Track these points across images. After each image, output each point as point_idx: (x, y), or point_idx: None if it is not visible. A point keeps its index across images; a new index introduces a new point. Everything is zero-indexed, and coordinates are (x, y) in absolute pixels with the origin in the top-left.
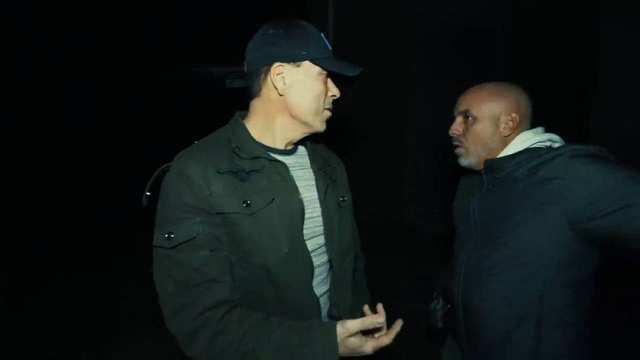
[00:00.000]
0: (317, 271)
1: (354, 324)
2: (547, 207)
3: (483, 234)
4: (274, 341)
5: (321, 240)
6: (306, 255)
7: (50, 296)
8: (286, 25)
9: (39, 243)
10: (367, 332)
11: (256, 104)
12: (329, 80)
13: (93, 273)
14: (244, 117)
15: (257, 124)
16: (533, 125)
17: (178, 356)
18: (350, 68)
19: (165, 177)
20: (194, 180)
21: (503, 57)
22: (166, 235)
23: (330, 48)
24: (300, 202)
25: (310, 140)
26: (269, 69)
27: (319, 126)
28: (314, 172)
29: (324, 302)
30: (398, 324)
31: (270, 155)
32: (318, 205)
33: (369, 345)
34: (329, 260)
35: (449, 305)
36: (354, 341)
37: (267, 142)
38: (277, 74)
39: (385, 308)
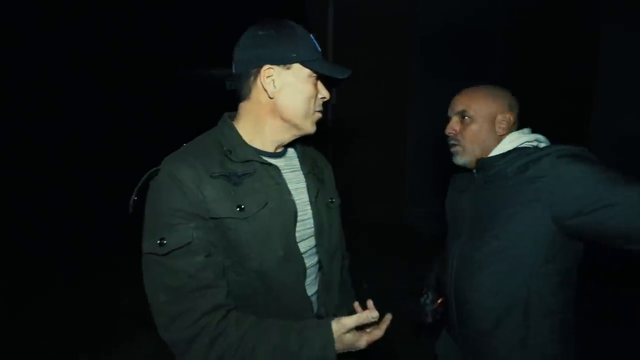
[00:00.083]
0: (308, 272)
1: (350, 321)
2: (534, 203)
3: (474, 228)
4: (272, 342)
5: (312, 241)
6: (299, 257)
7: (50, 296)
8: (275, 27)
9: (39, 243)
10: (359, 328)
11: (246, 106)
12: (319, 82)
13: (93, 273)
14: (233, 118)
15: (247, 126)
16: (522, 125)
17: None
18: (340, 70)
19: (153, 182)
20: (186, 184)
21: (502, 57)
22: (158, 242)
23: (319, 49)
24: (293, 205)
25: (299, 142)
26: (258, 72)
27: (310, 128)
28: (304, 174)
29: (313, 302)
30: (388, 318)
31: (263, 159)
32: (309, 207)
33: (363, 340)
34: (319, 261)
35: (439, 300)
36: (349, 337)
37: (257, 144)
38: (267, 77)
39: (386, 308)
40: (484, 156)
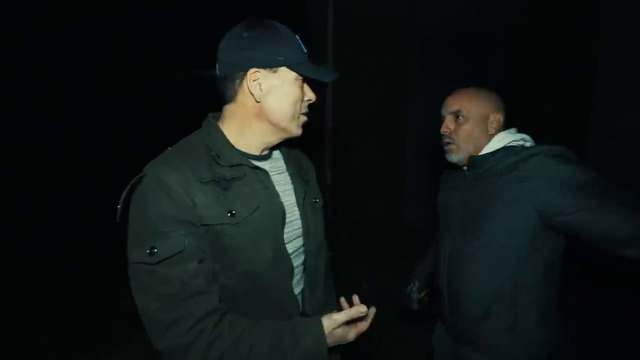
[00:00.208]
0: (294, 272)
1: (340, 316)
2: (522, 201)
3: (465, 223)
4: (267, 343)
5: (299, 242)
6: (287, 258)
7: (50, 296)
8: (261, 28)
9: (39, 243)
10: (348, 322)
11: (231, 109)
12: (305, 85)
13: (93, 273)
14: (218, 119)
15: (232, 129)
16: (522, 125)
17: None
18: (327, 73)
19: (139, 188)
20: (174, 189)
21: (502, 57)
22: (148, 251)
23: (305, 51)
24: (282, 207)
25: (283, 144)
26: (244, 75)
27: (296, 131)
28: (290, 175)
29: (299, 301)
30: (372, 311)
31: (251, 163)
32: (297, 209)
33: (352, 333)
34: (305, 261)
35: (426, 290)
36: (340, 331)
37: (243, 147)
38: (254, 80)
39: (386, 308)
40: (476, 154)
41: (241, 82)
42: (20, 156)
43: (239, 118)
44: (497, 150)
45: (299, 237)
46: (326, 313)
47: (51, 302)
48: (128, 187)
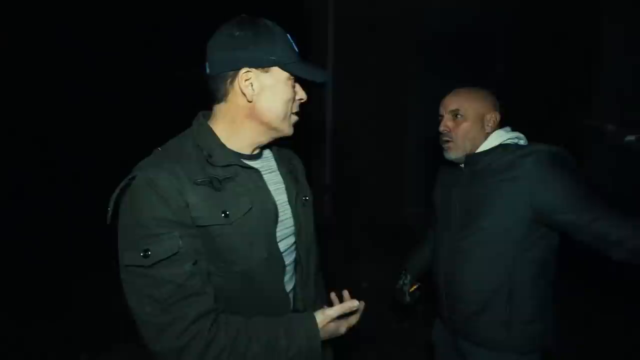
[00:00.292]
0: (286, 269)
1: (333, 311)
2: (517, 199)
3: (462, 220)
4: (262, 340)
5: (291, 240)
6: (280, 256)
7: (50, 296)
8: (253, 27)
9: (39, 243)
10: (339, 316)
11: (222, 109)
12: (297, 84)
13: (93, 273)
14: (208, 118)
15: (224, 128)
16: (522, 125)
17: None
18: (319, 74)
19: (130, 190)
20: (167, 191)
21: (503, 57)
22: (142, 254)
23: (296, 50)
24: (275, 206)
25: (274, 142)
26: (236, 74)
27: (287, 131)
28: (281, 174)
29: (291, 299)
30: (362, 305)
31: (244, 163)
32: (288, 207)
33: (343, 327)
34: (296, 258)
35: (418, 284)
36: (332, 325)
37: (234, 146)
38: (246, 80)
39: (386, 307)
40: (473, 151)
41: (233, 81)
42: (19, 156)
43: (230, 117)
44: (493, 148)
45: (291, 235)
46: (317, 309)
47: (51, 302)
48: (118, 190)
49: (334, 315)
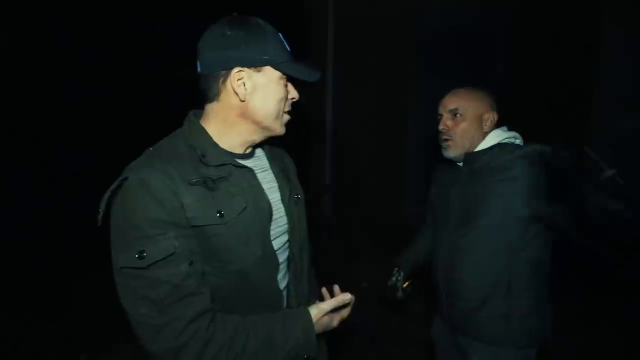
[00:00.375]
0: (280, 267)
1: (326, 305)
2: (514, 199)
3: (460, 218)
4: (259, 337)
5: (285, 238)
6: (273, 255)
7: (50, 296)
8: (245, 26)
9: (39, 243)
10: (332, 310)
11: (214, 108)
12: (289, 84)
13: (93, 273)
14: (199, 117)
15: (216, 128)
16: (521, 125)
17: None
18: (311, 73)
19: (122, 191)
20: (161, 192)
21: (503, 57)
22: (137, 255)
23: (288, 49)
24: (269, 205)
25: (265, 141)
26: (228, 74)
27: (280, 130)
28: (274, 173)
29: (284, 296)
30: (353, 299)
31: (237, 162)
32: (282, 205)
33: (335, 320)
34: (289, 256)
35: (410, 281)
36: (326, 319)
37: (227, 146)
38: (238, 80)
39: (386, 307)
40: (471, 150)
41: (225, 80)
42: (19, 156)
43: (222, 117)
44: (491, 147)
45: (285, 232)
46: (311, 304)
47: (51, 302)
48: (109, 192)
49: (327, 309)
